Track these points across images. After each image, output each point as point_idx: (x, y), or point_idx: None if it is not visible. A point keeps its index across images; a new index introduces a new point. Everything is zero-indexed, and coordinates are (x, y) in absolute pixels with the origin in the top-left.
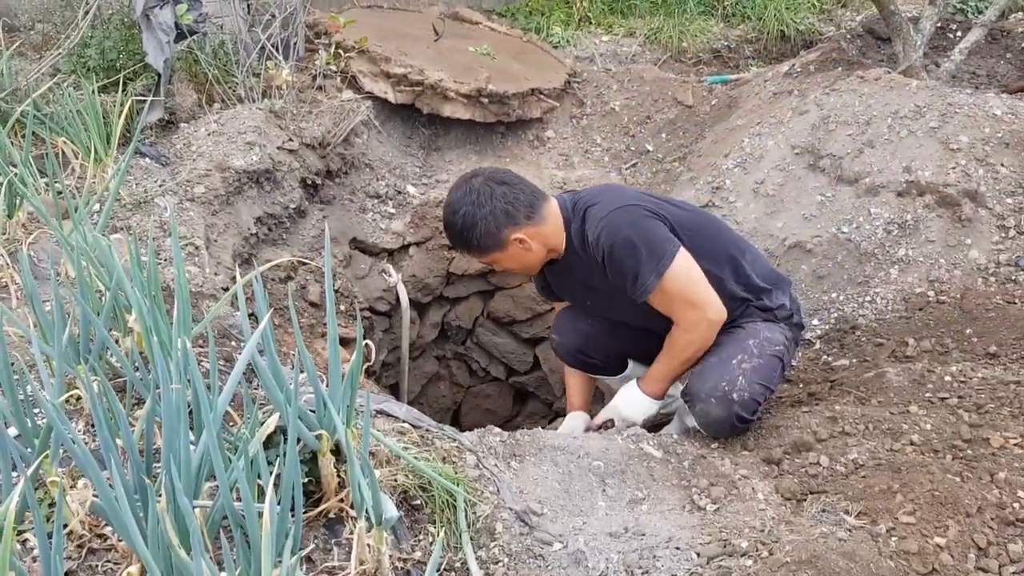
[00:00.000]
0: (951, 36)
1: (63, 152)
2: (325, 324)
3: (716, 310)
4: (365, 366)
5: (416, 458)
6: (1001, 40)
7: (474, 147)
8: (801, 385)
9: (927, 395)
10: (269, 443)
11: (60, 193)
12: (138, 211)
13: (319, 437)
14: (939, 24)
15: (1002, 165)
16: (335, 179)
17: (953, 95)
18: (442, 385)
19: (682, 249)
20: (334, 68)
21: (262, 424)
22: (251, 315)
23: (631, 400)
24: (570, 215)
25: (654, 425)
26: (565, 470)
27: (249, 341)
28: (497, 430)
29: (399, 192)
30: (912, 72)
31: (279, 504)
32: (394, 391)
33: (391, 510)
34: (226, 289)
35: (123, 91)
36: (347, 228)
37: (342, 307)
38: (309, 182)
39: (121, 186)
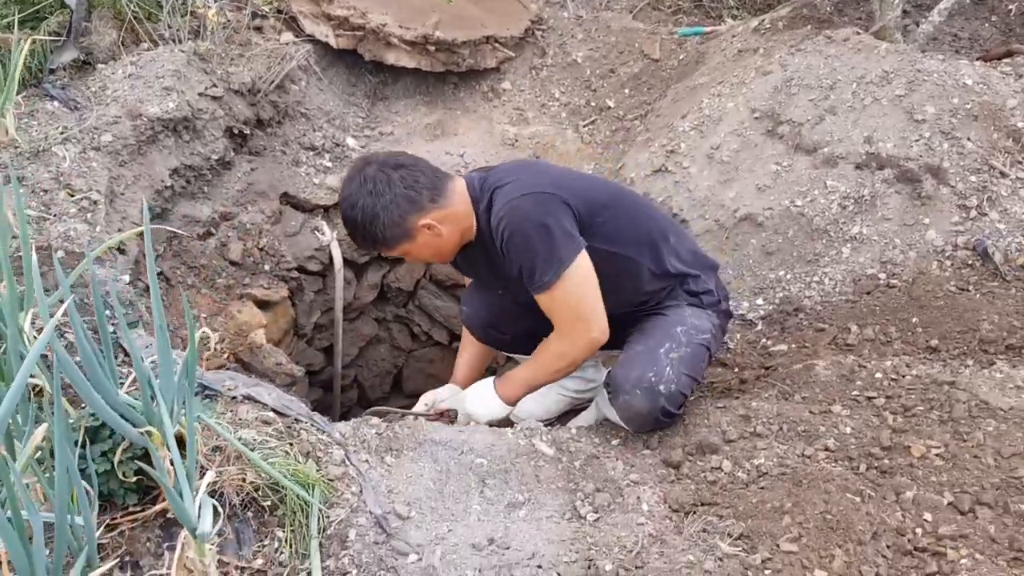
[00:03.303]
0: None
1: None
2: (245, 285)
3: (600, 328)
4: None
5: (272, 453)
6: (987, 1)
7: (424, 97)
8: (736, 370)
9: (854, 393)
10: (97, 438)
11: None
12: (35, 160)
13: (147, 434)
14: None
15: (968, 139)
16: (266, 129)
17: (923, 61)
18: (382, 348)
19: (583, 253)
20: (269, 8)
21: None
22: (160, 274)
23: (480, 398)
24: (479, 195)
25: (575, 410)
26: (444, 467)
27: (48, 325)
28: (376, 420)
29: (337, 144)
30: (885, 33)
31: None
32: (328, 353)
33: (205, 524)
34: (120, 251)
35: (33, 29)
36: (278, 182)
37: (267, 267)
38: (236, 131)
39: (20, 132)
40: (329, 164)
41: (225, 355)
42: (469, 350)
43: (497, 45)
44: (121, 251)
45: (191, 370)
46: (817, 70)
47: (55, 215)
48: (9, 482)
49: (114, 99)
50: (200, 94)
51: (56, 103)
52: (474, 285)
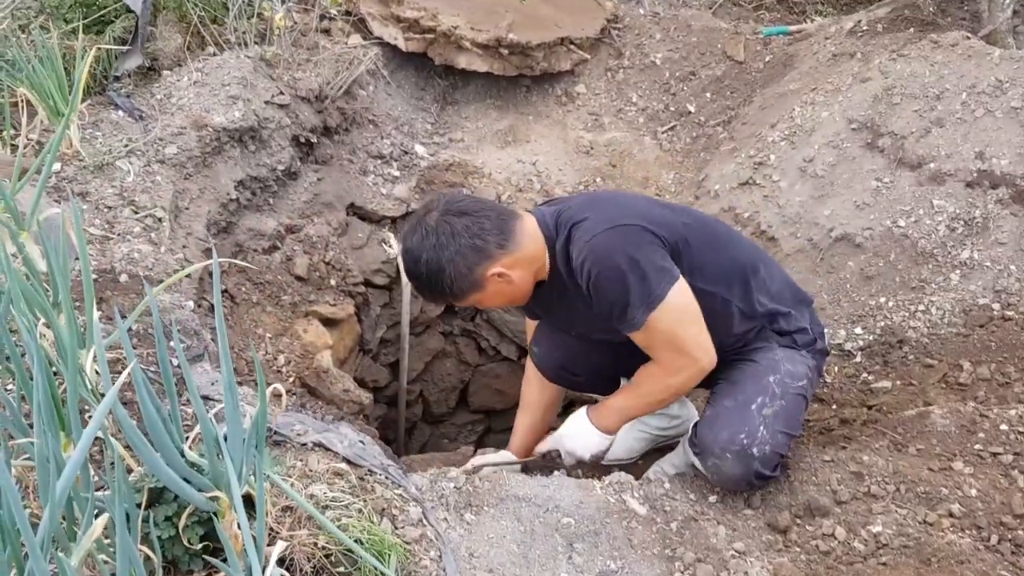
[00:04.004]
0: None
1: (27, 104)
2: (311, 301)
3: (709, 359)
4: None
5: (345, 512)
6: None
7: (495, 101)
8: (835, 407)
9: (976, 447)
10: (161, 499)
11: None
12: (99, 174)
13: (214, 499)
14: None
15: None
16: (333, 137)
17: None
18: (448, 363)
19: (680, 282)
20: (337, 10)
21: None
22: (225, 291)
23: (577, 432)
24: (552, 232)
25: (657, 449)
26: (528, 528)
27: (109, 392)
28: (454, 473)
29: (406, 152)
30: (996, 37)
31: None
32: (393, 369)
33: None
34: (183, 269)
35: (99, 34)
36: (344, 192)
37: (333, 281)
38: (302, 140)
39: (84, 144)
40: (397, 173)
41: (291, 379)
42: (529, 416)
43: (572, 47)
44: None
45: (261, 429)
46: (922, 78)
47: (119, 234)
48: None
49: (179, 108)
50: (266, 102)
51: (121, 112)
52: (544, 325)
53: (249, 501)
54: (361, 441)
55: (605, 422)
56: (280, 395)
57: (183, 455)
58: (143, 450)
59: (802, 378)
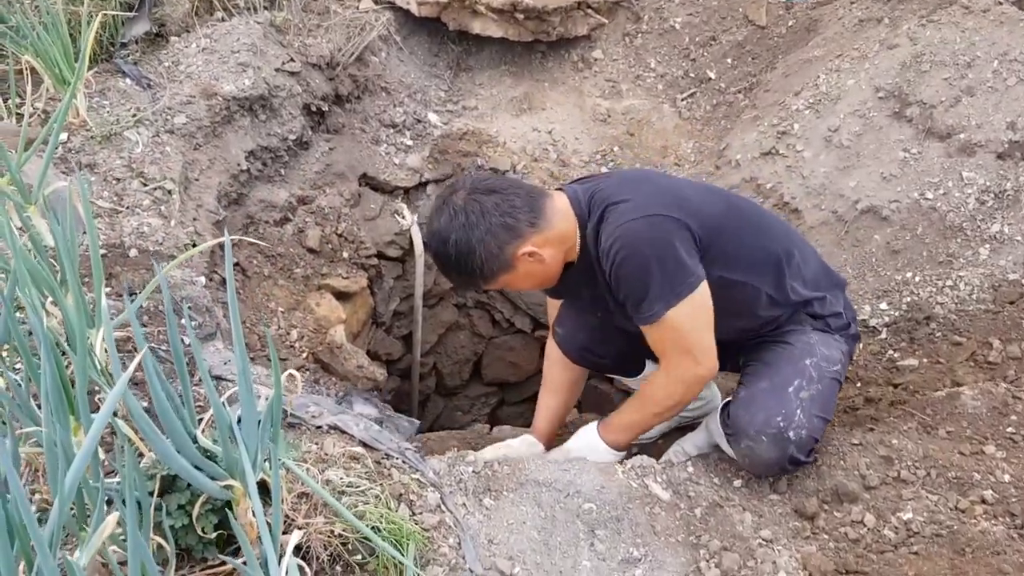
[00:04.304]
0: None
1: (32, 72)
2: (324, 274)
3: (709, 366)
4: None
5: (362, 497)
6: None
7: (509, 68)
8: (859, 385)
9: (1009, 430)
10: (174, 487)
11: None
12: (107, 145)
13: (228, 487)
14: None
15: None
16: (345, 105)
17: None
18: (462, 335)
19: (703, 285)
20: None
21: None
22: (237, 264)
23: (586, 447)
24: (585, 212)
25: (679, 427)
26: (549, 514)
27: (120, 380)
28: (472, 457)
29: (419, 120)
30: None
31: None
32: (407, 341)
33: None
34: (194, 244)
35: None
36: (357, 162)
37: (345, 254)
38: (314, 108)
39: (92, 113)
40: (410, 142)
41: (304, 355)
42: (553, 397)
43: (589, 11)
44: (195, 244)
45: (276, 414)
46: (952, 45)
47: (128, 207)
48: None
49: (188, 76)
50: (277, 69)
51: (128, 81)
52: (568, 306)
53: (264, 487)
54: (379, 421)
55: (615, 438)
56: (295, 377)
57: (195, 441)
58: (154, 439)
59: (837, 362)
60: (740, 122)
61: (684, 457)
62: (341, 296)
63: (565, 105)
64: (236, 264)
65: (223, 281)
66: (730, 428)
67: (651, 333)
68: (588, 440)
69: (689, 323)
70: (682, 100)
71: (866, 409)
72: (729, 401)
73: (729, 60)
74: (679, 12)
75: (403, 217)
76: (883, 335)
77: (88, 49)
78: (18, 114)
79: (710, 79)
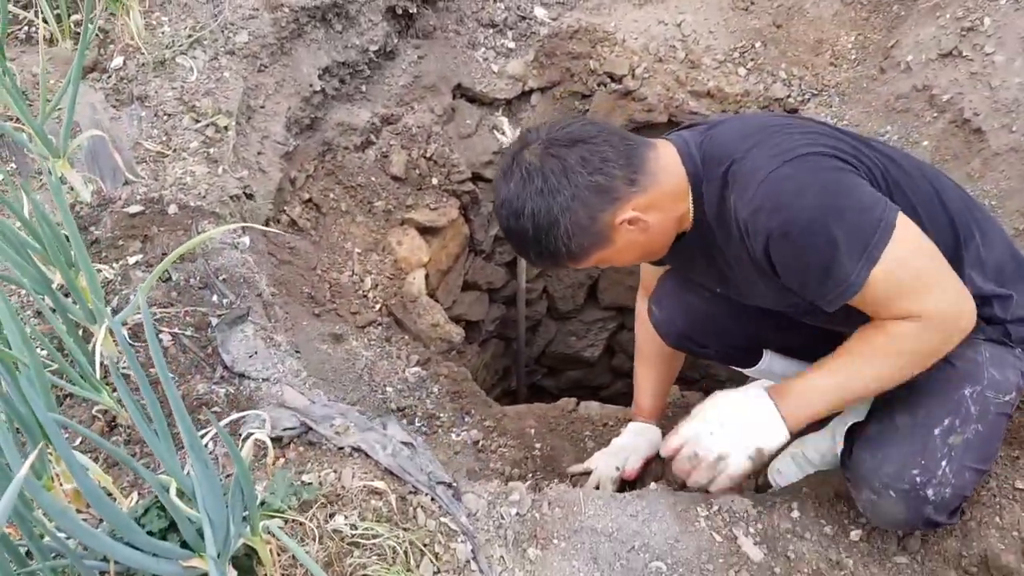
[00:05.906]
0: None
1: None
2: (409, 206)
3: (970, 310)
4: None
5: (376, 548)
6: None
7: None
8: None
9: None
10: None
11: None
12: (160, 72)
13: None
14: None
15: None
16: (436, 3)
17: None
18: None
19: (901, 216)
20: None
21: None
22: (309, 200)
23: (765, 421)
24: (698, 167)
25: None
26: (606, 571)
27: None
28: (517, 495)
29: (523, 17)
30: None
31: None
32: (510, 268)
33: None
34: (245, 194)
35: None
36: (450, 71)
37: (435, 180)
38: (399, 11)
39: (148, 33)
40: (512, 45)
41: (377, 307)
42: (653, 368)
43: None
44: (246, 195)
45: (247, 486)
46: None
47: (175, 149)
48: None
49: None
50: None
51: None
52: (671, 278)
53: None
54: (408, 444)
55: (798, 414)
56: (266, 450)
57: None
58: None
59: (1011, 390)
60: (916, 10)
61: (798, 473)
62: (426, 231)
63: None
64: (309, 200)
65: (292, 223)
66: (850, 471)
67: (860, 302)
68: (752, 410)
69: (908, 266)
70: None
71: None
72: (855, 426)
73: None
74: None
75: (503, 133)
76: None
77: None
78: (76, 34)
79: None
